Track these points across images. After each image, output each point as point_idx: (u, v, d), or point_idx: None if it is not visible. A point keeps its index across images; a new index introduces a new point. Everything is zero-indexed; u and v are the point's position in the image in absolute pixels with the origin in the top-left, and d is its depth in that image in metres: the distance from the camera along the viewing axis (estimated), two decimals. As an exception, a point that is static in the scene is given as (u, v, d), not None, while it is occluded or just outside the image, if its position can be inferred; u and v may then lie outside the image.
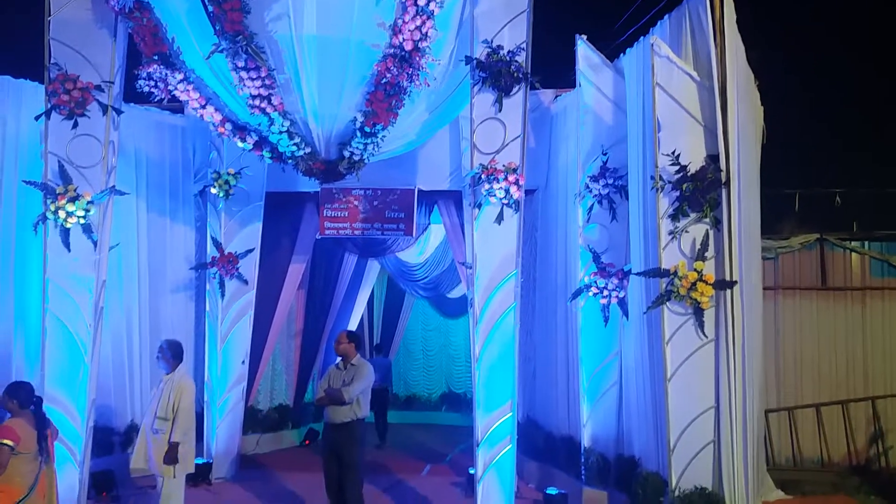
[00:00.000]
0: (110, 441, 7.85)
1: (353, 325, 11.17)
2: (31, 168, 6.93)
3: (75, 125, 6.33)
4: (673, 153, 5.75)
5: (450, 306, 12.48)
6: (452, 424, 11.81)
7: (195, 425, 6.03)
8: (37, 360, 6.33)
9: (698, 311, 5.65)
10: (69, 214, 6.19)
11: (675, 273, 5.67)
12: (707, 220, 5.71)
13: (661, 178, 5.79)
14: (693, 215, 5.75)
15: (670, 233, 5.78)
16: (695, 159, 5.76)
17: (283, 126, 6.29)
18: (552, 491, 6.83)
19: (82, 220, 6.25)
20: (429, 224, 9.80)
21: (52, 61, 6.34)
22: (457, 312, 12.41)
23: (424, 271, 11.33)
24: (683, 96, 5.83)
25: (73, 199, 6.20)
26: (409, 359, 13.03)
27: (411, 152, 7.79)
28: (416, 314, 12.97)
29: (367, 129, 6.35)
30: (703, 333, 5.64)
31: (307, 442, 10.13)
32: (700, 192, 5.70)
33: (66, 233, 6.26)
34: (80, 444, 6.13)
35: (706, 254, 5.69)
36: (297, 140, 6.43)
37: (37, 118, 6.41)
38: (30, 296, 7.17)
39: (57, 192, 6.22)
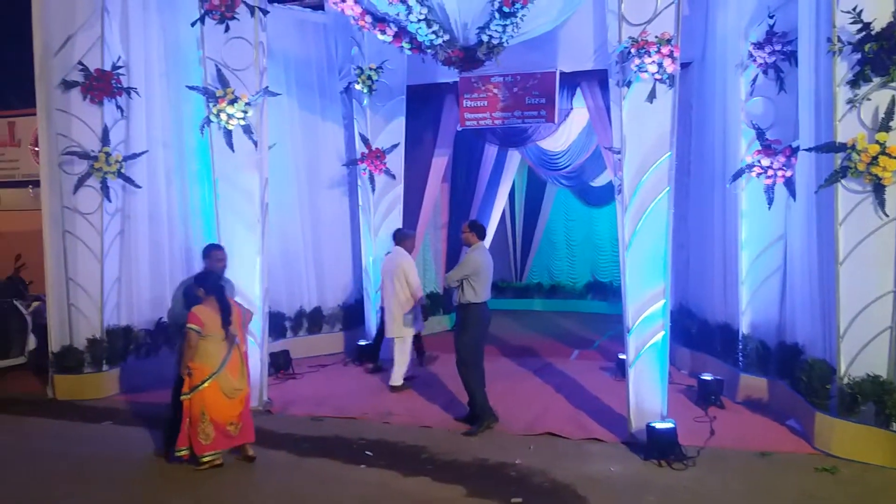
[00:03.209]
0: (283, 326, 8.65)
1: (495, 217, 11.26)
2: (193, 74, 7.39)
3: (227, 29, 6.58)
4: (854, 9, 5.05)
5: (593, 195, 12.18)
6: (598, 312, 11.84)
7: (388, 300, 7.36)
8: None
9: (878, 188, 5.10)
10: (230, 117, 6.57)
11: (853, 146, 5.10)
12: (894, 84, 5.03)
13: (838, 39, 5.12)
14: (876, 80, 5.07)
15: (849, 101, 5.16)
16: (880, 15, 5.02)
17: (420, 14, 6.19)
18: (707, 377, 6.72)
19: (242, 122, 6.62)
20: (571, 109, 9.45)
21: (200, -34, 6.56)
22: (601, 201, 12.11)
23: (567, 159, 11.06)
24: (869, -59, 5.04)
25: (232, 102, 6.55)
26: (552, 249, 13.02)
27: (551, 32, 7.39)
28: (557, 204, 12.82)
29: (506, 10, 6.10)
30: (884, 212, 5.11)
31: (457, 328, 10.58)
32: (886, 52, 4.99)
33: (228, 134, 6.67)
34: (258, 328, 6.77)
35: (891, 123, 5.06)
36: (435, 28, 6.32)
37: (192, 24, 6.73)
38: (204, 193, 7.86)
39: (217, 95, 6.59)
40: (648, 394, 5.63)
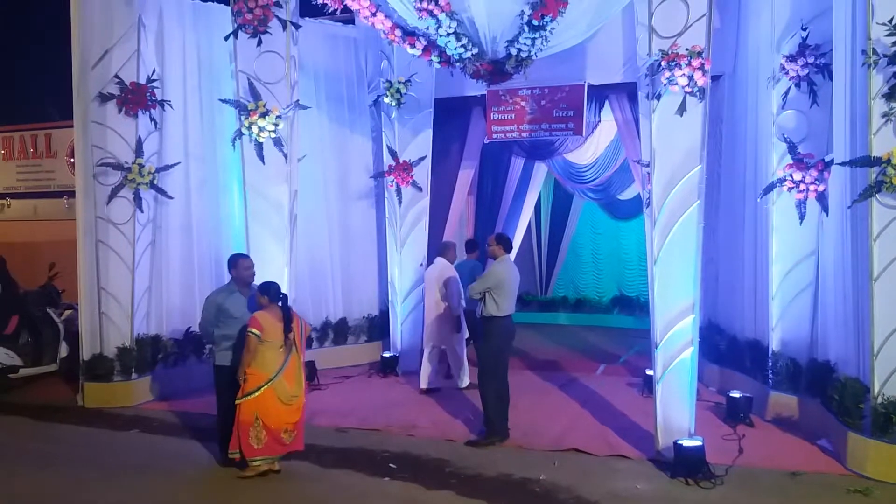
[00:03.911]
0: (309, 336, 8.66)
1: (521, 229, 11.23)
2: (225, 87, 7.51)
3: (259, 43, 6.70)
4: (890, 21, 4.97)
5: (621, 208, 12.08)
6: (624, 327, 11.70)
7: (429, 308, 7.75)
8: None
9: (915, 204, 5.01)
10: (261, 129, 6.66)
11: (889, 161, 5.01)
12: (931, 97, 4.94)
13: (874, 51, 5.04)
14: (913, 93, 5.00)
15: (884, 115, 5.07)
16: (918, 27, 4.95)
17: (450, 27, 6.21)
18: (736, 394, 6.61)
19: (273, 135, 6.71)
20: (599, 121, 9.42)
21: (234, -19, 6.70)
22: (628, 214, 12.00)
23: (594, 172, 11.01)
24: (906, -48, 4.97)
25: (263, 115, 6.65)
26: (578, 262, 12.90)
27: (579, 45, 7.35)
28: (584, 217, 12.71)
29: (535, 23, 6.09)
30: (920, 228, 5.01)
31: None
32: (923, 65, 4.92)
33: (259, 147, 6.77)
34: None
35: (928, 138, 4.97)
36: (464, 41, 6.34)
37: (226, 38, 6.85)
38: (234, 204, 7.95)
39: (249, 108, 6.69)
40: (676, 410, 5.54)
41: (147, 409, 7.29)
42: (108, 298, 7.36)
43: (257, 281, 5.71)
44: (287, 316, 5.29)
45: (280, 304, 5.30)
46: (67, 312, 8.56)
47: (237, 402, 5.21)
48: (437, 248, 8.16)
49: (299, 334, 5.43)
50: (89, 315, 7.39)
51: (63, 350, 8.32)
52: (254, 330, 5.14)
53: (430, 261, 9.08)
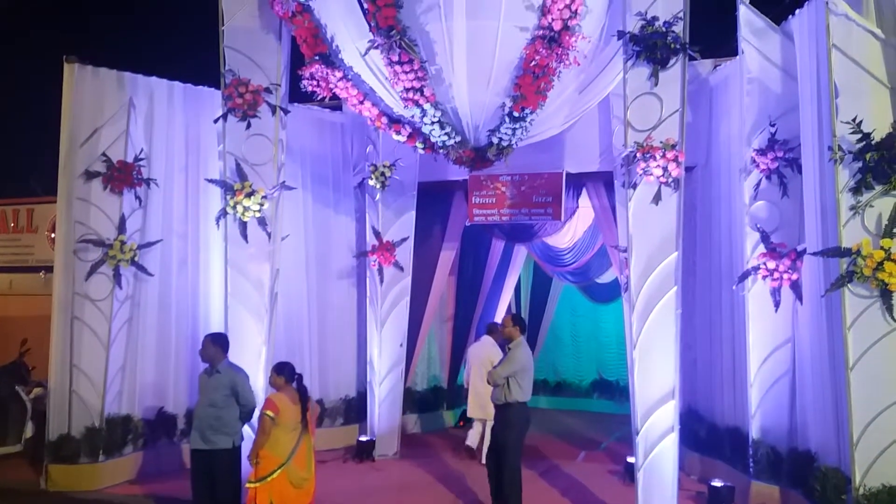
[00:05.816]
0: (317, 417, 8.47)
1: (501, 311, 11.25)
2: (211, 167, 7.63)
3: (248, 126, 6.86)
4: (854, 120, 5.27)
5: (600, 292, 12.18)
6: (604, 412, 11.59)
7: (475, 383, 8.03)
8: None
9: (886, 294, 5.15)
10: (246, 209, 6.74)
11: (858, 252, 5.19)
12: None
13: (839, 148, 5.31)
14: (878, 188, 5.23)
15: (851, 208, 5.29)
16: (880, 126, 5.24)
17: (434, 116, 6.44)
18: (718, 483, 6.52)
19: (257, 214, 6.79)
20: (577, 207, 9.65)
21: (226, 68, 6.91)
22: (607, 298, 12.09)
23: (572, 256, 11.15)
24: (865, 57, 5.32)
25: (249, 195, 6.75)
26: (558, 345, 12.87)
27: (558, 135, 7.69)
28: (564, 300, 12.78)
29: (516, 115, 6.35)
30: (892, 318, 5.13)
31: (461, 423, 10.35)
32: (887, 161, 5.18)
33: (243, 226, 6.82)
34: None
35: (895, 230, 5.16)
36: (448, 129, 6.56)
37: (215, 121, 7.02)
38: (212, 283, 7.92)
39: (235, 188, 6.79)
40: (658, 500, 5.46)
41: (113, 493, 7.00)
42: (80, 376, 7.17)
43: (243, 363, 5.70)
44: (304, 397, 5.25)
45: (295, 384, 5.27)
46: (37, 390, 8.30)
47: (249, 485, 5.11)
48: (484, 327, 8.86)
49: (311, 416, 5.38)
50: (59, 393, 7.19)
51: (29, 430, 8.03)
52: (269, 412, 5.09)
53: (410, 339, 9.07)
